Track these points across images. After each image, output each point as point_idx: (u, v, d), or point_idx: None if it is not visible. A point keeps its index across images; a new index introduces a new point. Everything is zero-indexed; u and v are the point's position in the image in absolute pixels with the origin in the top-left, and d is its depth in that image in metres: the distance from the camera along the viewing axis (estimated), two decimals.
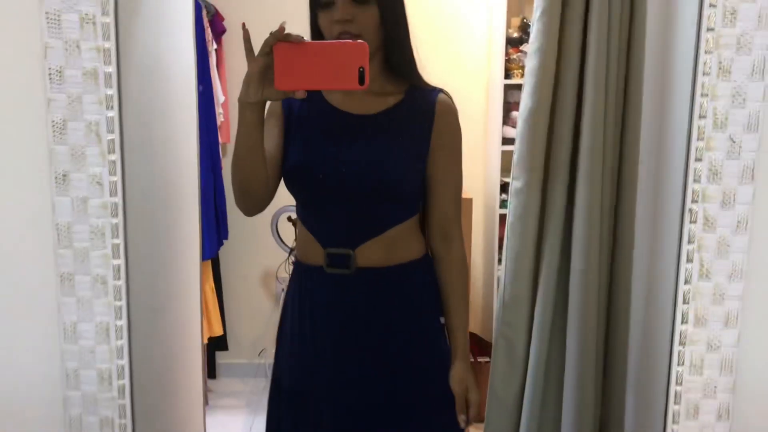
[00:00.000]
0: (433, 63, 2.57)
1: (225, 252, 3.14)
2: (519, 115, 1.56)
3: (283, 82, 0.96)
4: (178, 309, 1.76)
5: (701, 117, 0.80)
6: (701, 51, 0.79)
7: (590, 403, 1.58)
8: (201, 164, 2.60)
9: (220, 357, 3.27)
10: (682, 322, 0.84)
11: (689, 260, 0.82)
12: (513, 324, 1.61)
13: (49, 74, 0.78)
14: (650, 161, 1.18)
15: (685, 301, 0.84)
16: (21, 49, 0.79)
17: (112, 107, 0.79)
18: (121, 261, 0.81)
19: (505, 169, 2.32)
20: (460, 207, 1.28)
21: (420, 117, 1.19)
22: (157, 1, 1.30)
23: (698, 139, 0.80)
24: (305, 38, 0.96)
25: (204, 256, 2.75)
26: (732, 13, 0.78)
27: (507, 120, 2.68)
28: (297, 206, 1.23)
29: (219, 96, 2.86)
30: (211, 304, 2.92)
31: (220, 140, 2.89)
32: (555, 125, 1.51)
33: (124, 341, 0.83)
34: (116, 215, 0.80)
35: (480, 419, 1.51)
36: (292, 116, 1.21)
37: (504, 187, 2.63)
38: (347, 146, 1.17)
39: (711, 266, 0.83)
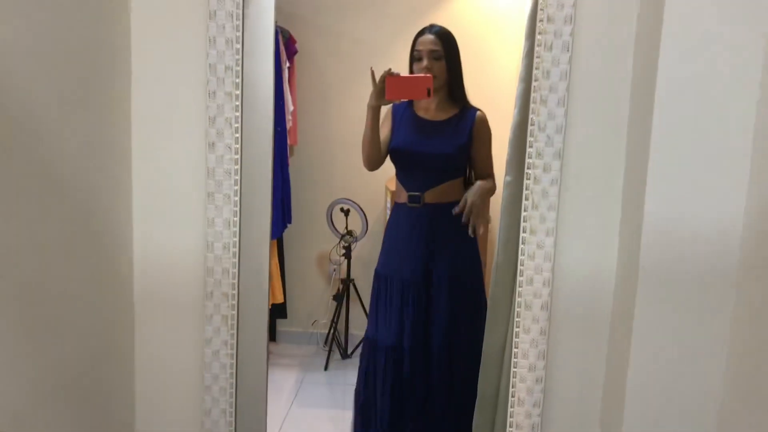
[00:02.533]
0: (477, 83, 3.84)
1: (288, 234, 4.12)
2: (510, 127, 2.46)
3: (390, 95, 2.32)
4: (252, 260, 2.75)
5: (531, 124, 1.76)
6: (532, 91, 1.75)
7: None
8: (272, 161, 3.62)
9: (280, 324, 4.26)
10: (522, 232, 1.79)
11: (526, 199, 1.78)
12: (501, 282, 2.19)
13: (208, 94, 1.82)
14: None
15: (524, 221, 1.79)
16: (194, 81, 1.84)
17: (238, 111, 1.82)
18: (237, 187, 1.84)
19: None
20: (491, 167, 2.67)
21: (466, 123, 2.59)
22: (253, 34, 2.31)
23: (530, 136, 1.76)
24: (401, 73, 2.36)
25: (272, 236, 3.76)
26: (547, 72, 1.74)
27: None
28: (396, 169, 2.66)
29: (289, 105, 3.87)
30: (275, 276, 3.92)
31: (288, 142, 3.91)
32: None
33: (237, 228, 1.85)
34: (237, 164, 1.83)
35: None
36: (396, 118, 2.64)
37: None
38: (425, 137, 2.59)
39: (538, 203, 1.78)
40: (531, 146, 1.77)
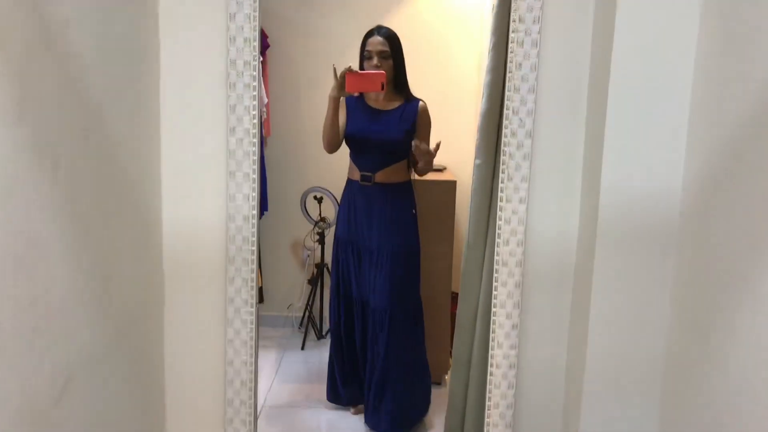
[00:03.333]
0: (438, 75, 4.33)
1: (264, 223, 4.37)
2: (479, 114, 2.68)
3: (349, 88, 2.80)
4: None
5: (506, 109, 2.18)
6: (506, 81, 2.17)
7: None
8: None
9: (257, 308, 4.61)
10: (500, 201, 2.22)
11: (502, 172, 2.20)
12: (472, 259, 2.50)
13: (228, 85, 2.19)
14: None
15: (501, 191, 2.21)
16: (216, 74, 2.20)
17: (255, 99, 2.19)
18: (256, 166, 2.21)
19: None
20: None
21: (410, 113, 3.08)
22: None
23: (505, 119, 2.18)
24: (359, 70, 2.87)
25: None
26: (519, 65, 2.16)
27: None
28: (350, 150, 3.16)
29: (263, 98, 4.19)
30: None
31: (263, 133, 4.23)
32: (502, 122, 2.27)
33: (255, 202, 2.22)
34: (254, 146, 2.20)
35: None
36: (350, 107, 3.12)
37: None
38: (376, 124, 3.09)
39: (512, 175, 2.20)
40: (506, 128, 2.19)
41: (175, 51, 2.20)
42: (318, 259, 4.40)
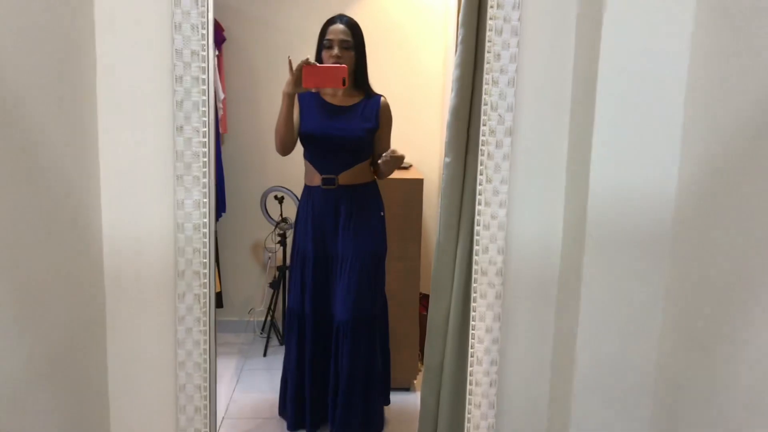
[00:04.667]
0: (402, 70, 4.06)
1: (222, 224, 4.19)
2: (448, 110, 2.44)
3: (307, 83, 2.45)
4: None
5: (484, 104, 1.93)
6: (484, 73, 1.93)
7: None
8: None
9: (217, 314, 4.29)
10: (478, 204, 1.97)
11: (481, 174, 1.95)
12: (443, 261, 2.31)
13: (175, 78, 1.90)
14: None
15: (479, 194, 1.97)
16: (161, 65, 1.92)
17: (205, 95, 1.91)
18: (206, 169, 1.93)
19: None
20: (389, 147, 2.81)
21: (371, 109, 2.77)
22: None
23: (483, 115, 1.93)
24: (317, 63, 2.51)
25: None
26: (498, 55, 1.91)
27: None
28: (306, 153, 2.82)
29: (219, 93, 3.93)
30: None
31: (220, 130, 3.97)
32: (472, 118, 2.18)
33: (207, 209, 1.94)
34: (205, 147, 1.93)
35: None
36: (304, 106, 2.76)
37: None
38: (336, 121, 2.75)
39: (492, 177, 1.96)
40: (485, 124, 1.94)
41: (113, 40, 1.91)
42: (280, 262, 4.16)
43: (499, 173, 1.95)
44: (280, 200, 4.05)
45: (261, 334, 4.29)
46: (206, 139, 1.92)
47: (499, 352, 2.05)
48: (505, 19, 1.89)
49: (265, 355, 4.08)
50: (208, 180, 1.93)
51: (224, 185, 4.03)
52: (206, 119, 1.91)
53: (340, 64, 2.57)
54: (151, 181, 1.95)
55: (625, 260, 1.86)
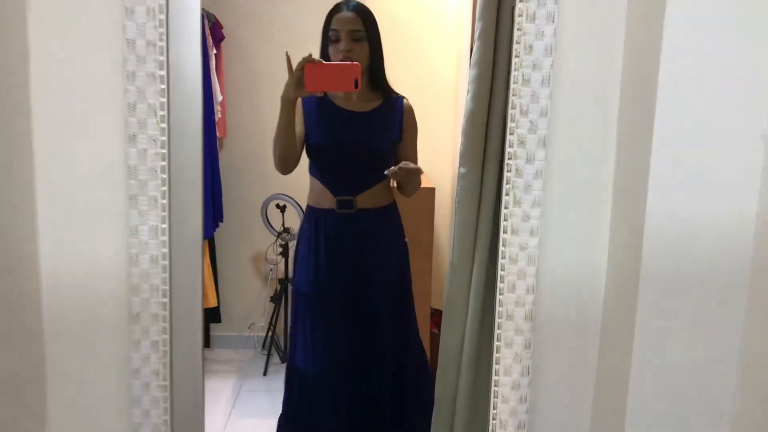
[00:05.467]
0: (409, 68, 3.50)
1: (220, 234, 3.77)
2: (463, 115, 2.18)
3: (310, 86, 1.86)
4: (184, 273, 2.38)
5: (512, 108, 1.46)
6: (513, 69, 1.46)
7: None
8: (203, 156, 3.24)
9: (214, 329, 3.90)
10: (503, 232, 1.50)
11: (507, 194, 1.49)
12: (457, 284, 1.96)
13: (126, 75, 1.45)
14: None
15: (504, 219, 1.50)
16: (110, 59, 1.46)
17: (163, 96, 1.46)
18: (166, 188, 1.48)
19: None
20: (416, 161, 2.23)
21: (393, 115, 2.17)
22: (178, 16, 1.95)
23: (511, 122, 1.46)
24: (323, 60, 1.89)
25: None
26: (529, 47, 1.44)
27: None
28: (313, 169, 2.17)
29: (217, 95, 3.50)
30: (207, 278, 3.55)
31: (217, 134, 3.53)
32: (490, 123, 1.84)
33: (166, 237, 1.49)
34: (164, 160, 1.47)
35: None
36: (311, 112, 2.14)
37: None
38: (352, 132, 2.11)
39: (521, 198, 1.49)
40: (512, 133, 1.48)
41: (49, 28, 1.45)
42: (281, 274, 3.73)
43: (530, 194, 1.49)
44: (282, 209, 3.63)
45: (261, 350, 3.85)
46: (165, 151, 1.47)
47: (528, 413, 1.58)
48: (539, 3, 1.42)
49: (265, 374, 3.64)
50: (168, 201, 1.48)
51: (221, 192, 3.60)
52: (165, 126, 1.46)
53: (351, 60, 1.97)
54: (98, 203, 1.50)
55: (690, 306, 1.40)
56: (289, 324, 2.68)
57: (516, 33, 1.45)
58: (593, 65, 1.48)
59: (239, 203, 3.77)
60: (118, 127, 1.47)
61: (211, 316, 3.69)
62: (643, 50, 1.38)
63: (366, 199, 2.14)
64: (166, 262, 1.50)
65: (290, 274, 3.66)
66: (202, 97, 3.25)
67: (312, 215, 2.18)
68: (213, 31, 3.47)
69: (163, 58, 1.45)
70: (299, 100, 2.10)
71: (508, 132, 1.48)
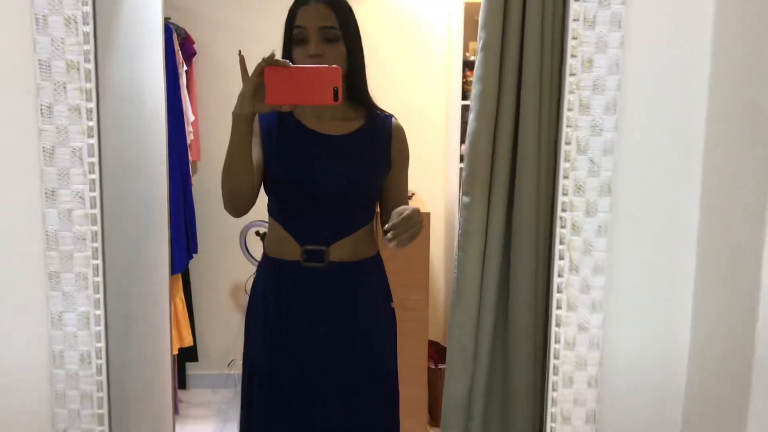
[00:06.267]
0: (395, 85, 2.93)
1: (195, 266, 3.31)
2: (467, 137, 1.81)
3: (273, 97, 1.25)
4: (149, 318, 1.95)
5: (567, 143, 1.03)
6: (565, 91, 1.03)
7: (529, 397, 1.80)
8: (172, 181, 2.81)
9: (191, 368, 3.44)
10: (557, 308, 1.07)
11: (561, 258, 1.06)
12: (463, 325, 1.81)
13: (41, 109, 1.00)
14: None
15: (558, 291, 1.07)
16: (17, 88, 1.01)
17: (92, 136, 1.01)
18: (99, 261, 1.03)
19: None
20: (407, 201, 1.62)
21: (380, 139, 1.53)
22: (131, 30, 1.52)
23: (564, 161, 1.03)
24: (290, 63, 1.25)
25: (174, 270, 2.93)
26: (588, 62, 1.01)
27: (464, 139, 2.90)
28: (273, 209, 1.53)
29: (189, 115, 3.05)
30: (181, 315, 3.10)
31: (190, 158, 3.08)
32: (496, 146, 1.71)
33: (102, 327, 1.04)
34: (96, 224, 1.02)
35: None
36: (271, 135, 1.51)
37: None
38: (323, 162, 1.47)
39: (579, 263, 1.06)
40: (566, 176, 1.05)
41: None
42: None
43: (590, 256, 1.06)
44: (262, 237, 3.16)
45: None
46: (96, 211, 1.01)
47: None
48: (600, 2, 0.99)
49: None
50: (102, 278, 1.02)
51: (195, 221, 3.14)
52: (95, 176, 1.00)
53: (336, 66, 1.30)
54: (9, 284, 1.04)
55: None
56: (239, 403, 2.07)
57: (570, 43, 1.02)
58: (673, 87, 1.05)
59: (215, 232, 3.31)
60: (32, 180, 1.02)
61: (187, 355, 3.22)
62: (744, 68, 0.96)
63: (341, 250, 1.52)
64: (102, 361, 1.04)
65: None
66: (171, 119, 2.84)
67: (270, 268, 1.58)
68: (184, 46, 3.03)
69: (91, 85, 0.99)
70: (257, 117, 1.53)
71: (560, 175, 1.05)
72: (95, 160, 1.01)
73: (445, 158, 3.26)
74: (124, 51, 1.41)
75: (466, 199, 1.70)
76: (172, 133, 2.83)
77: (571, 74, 1.02)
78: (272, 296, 1.54)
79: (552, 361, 1.09)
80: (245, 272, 3.30)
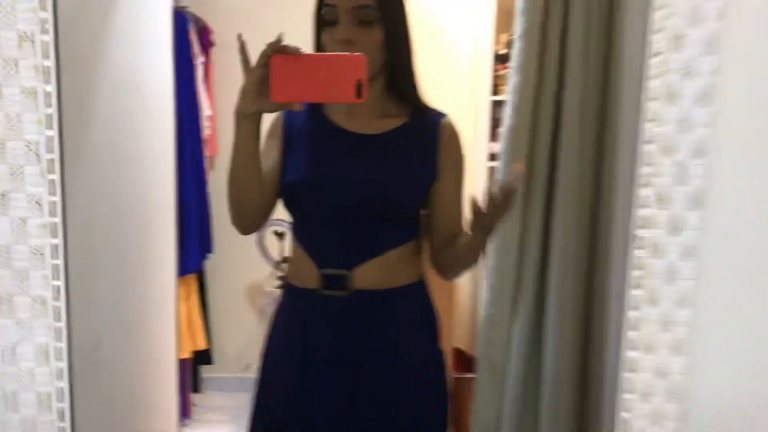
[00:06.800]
0: (426, 68, 2.58)
1: (210, 265, 3.11)
2: (502, 134, 1.60)
3: (280, 94, 0.96)
4: (152, 325, 1.75)
5: (647, 141, 0.79)
6: (647, 76, 0.78)
7: (564, 426, 1.58)
8: (186, 177, 2.60)
9: (205, 371, 3.24)
10: (630, 349, 0.83)
11: (636, 287, 0.81)
12: (494, 342, 1.63)
13: None
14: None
15: (632, 328, 0.82)
16: None
17: (51, 127, 0.78)
18: (61, 282, 0.80)
19: None
20: (461, 217, 1.25)
21: (425, 140, 1.19)
22: (133, 16, 1.31)
23: (644, 165, 0.79)
24: (303, 50, 0.97)
25: (188, 270, 2.73)
26: (677, 39, 0.77)
27: (494, 136, 2.67)
28: (293, 225, 1.22)
29: (205, 109, 2.85)
30: (195, 317, 2.90)
31: (206, 153, 2.87)
32: (534, 143, 1.53)
33: (65, 363, 0.81)
34: (56, 236, 0.79)
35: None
36: (293, 134, 1.20)
37: None
38: (350, 165, 1.16)
39: (659, 293, 0.81)
40: (647, 184, 0.80)
41: None
42: None
43: (674, 284, 0.81)
44: (281, 236, 3.00)
45: None
46: (56, 219, 0.78)
47: None
48: None
49: None
50: (65, 303, 0.80)
51: (210, 219, 2.95)
52: (55, 176, 0.78)
53: (361, 53, 0.99)
54: None
55: None
56: None
57: (656, 15, 0.77)
58: None
59: (232, 230, 3.08)
60: None
61: (201, 358, 3.02)
62: None
63: (369, 275, 1.17)
64: (64, 404, 0.81)
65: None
66: (187, 113, 2.63)
67: (288, 298, 1.26)
68: (201, 36, 2.84)
69: (49, 62, 0.77)
70: (282, 115, 1.23)
71: (636, 181, 0.80)
72: (56, 156, 0.78)
73: (473, 156, 3.03)
74: (124, 37, 1.19)
75: None
76: (187, 127, 2.62)
77: (655, 54, 0.77)
78: (289, 333, 1.21)
79: (621, 414, 0.84)
80: (262, 272, 3.13)
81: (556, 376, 1.58)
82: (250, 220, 1.16)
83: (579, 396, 1.56)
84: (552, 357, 1.55)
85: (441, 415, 1.22)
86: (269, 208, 1.17)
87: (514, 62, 1.57)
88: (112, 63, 1.24)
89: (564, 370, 1.53)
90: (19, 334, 0.81)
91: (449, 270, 1.19)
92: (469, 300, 3.07)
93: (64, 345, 0.81)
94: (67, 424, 0.83)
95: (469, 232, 1.09)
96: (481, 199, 1.01)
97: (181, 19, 2.55)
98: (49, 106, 0.77)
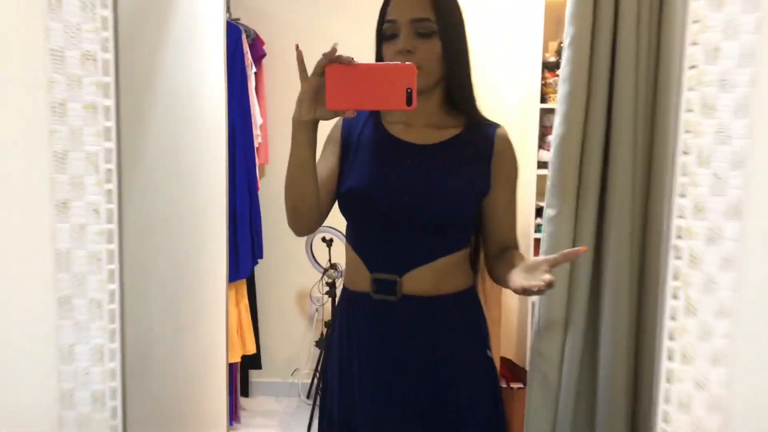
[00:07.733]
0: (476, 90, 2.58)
1: (260, 271, 3.18)
2: (551, 142, 1.58)
3: (334, 101, 1.03)
4: (203, 329, 1.80)
5: (685, 152, 0.80)
6: (683, 88, 0.79)
7: None
8: (237, 185, 2.67)
9: (254, 375, 3.31)
10: (667, 359, 0.83)
11: (674, 297, 0.82)
12: (546, 355, 1.59)
13: (52, 106, 0.83)
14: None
15: (670, 338, 0.83)
16: (25, 82, 0.84)
17: (110, 139, 0.83)
18: (115, 286, 0.85)
19: (540, 193, 2.30)
20: (515, 228, 1.32)
21: (478, 151, 1.24)
22: (184, 29, 1.37)
23: (682, 175, 0.80)
24: (356, 60, 1.03)
25: (239, 276, 2.80)
26: (714, 51, 0.78)
27: (542, 144, 2.66)
28: (348, 230, 1.29)
29: (257, 118, 2.92)
30: (245, 322, 2.96)
31: (257, 161, 2.94)
32: (585, 153, 1.50)
33: (117, 363, 0.86)
34: (112, 242, 0.85)
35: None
36: (351, 142, 1.27)
37: (539, 211, 2.58)
38: (405, 174, 1.21)
39: (698, 303, 0.82)
40: (683, 194, 0.80)
41: None
42: (328, 315, 3.12)
43: (712, 295, 0.81)
44: (329, 243, 3.03)
45: (307, 399, 3.23)
46: (113, 225, 0.84)
47: None
48: None
49: (309, 429, 2.99)
50: (120, 306, 0.85)
51: (261, 226, 3.01)
52: (112, 186, 0.83)
53: (412, 63, 1.06)
54: (14, 310, 0.88)
55: None
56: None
57: (691, 28, 0.77)
58: None
59: (282, 237, 3.16)
60: (41, 189, 0.85)
61: (250, 362, 3.08)
62: None
63: (418, 281, 1.21)
64: (116, 402, 0.87)
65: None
66: (240, 122, 2.71)
67: (344, 301, 1.32)
68: (253, 47, 2.91)
69: (109, 79, 0.82)
70: (341, 123, 1.31)
71: (675, 192, 0.80)
72: (113, 166, 0.83)
73: (521, 165, 3.01)
74: (178, 50, 1.25)
75: (551, 212, 1.51)
76: (239, 136, 2.70)
77: (692, 67, 0.78)
78: (346, 335, 1.28)
79: (660, 426, 0.84)
80: (311, 279, 3.17)
81: (610, 390, 1.55)
82: (305, 222, 1.22)
83: (632, 410, 1.54)
84: (606, 370, 1.53)
85: (498, 424, 1.26)
86: (324, 211, 1.24)
87: (563, 71, 1.54)
88: (167, 76, 1.31)
89: (618, 383, 1.51)
90: (77, 334, 0.86)
91: (502, 282, 1.22)
92: (518, 310, 3.05)
93: (117, 346, 0.86)
94: (118, 422, 0.87)
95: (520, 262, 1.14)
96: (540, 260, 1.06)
97: (234, 31, 2.63)
98: (108, 119, 0.82)
